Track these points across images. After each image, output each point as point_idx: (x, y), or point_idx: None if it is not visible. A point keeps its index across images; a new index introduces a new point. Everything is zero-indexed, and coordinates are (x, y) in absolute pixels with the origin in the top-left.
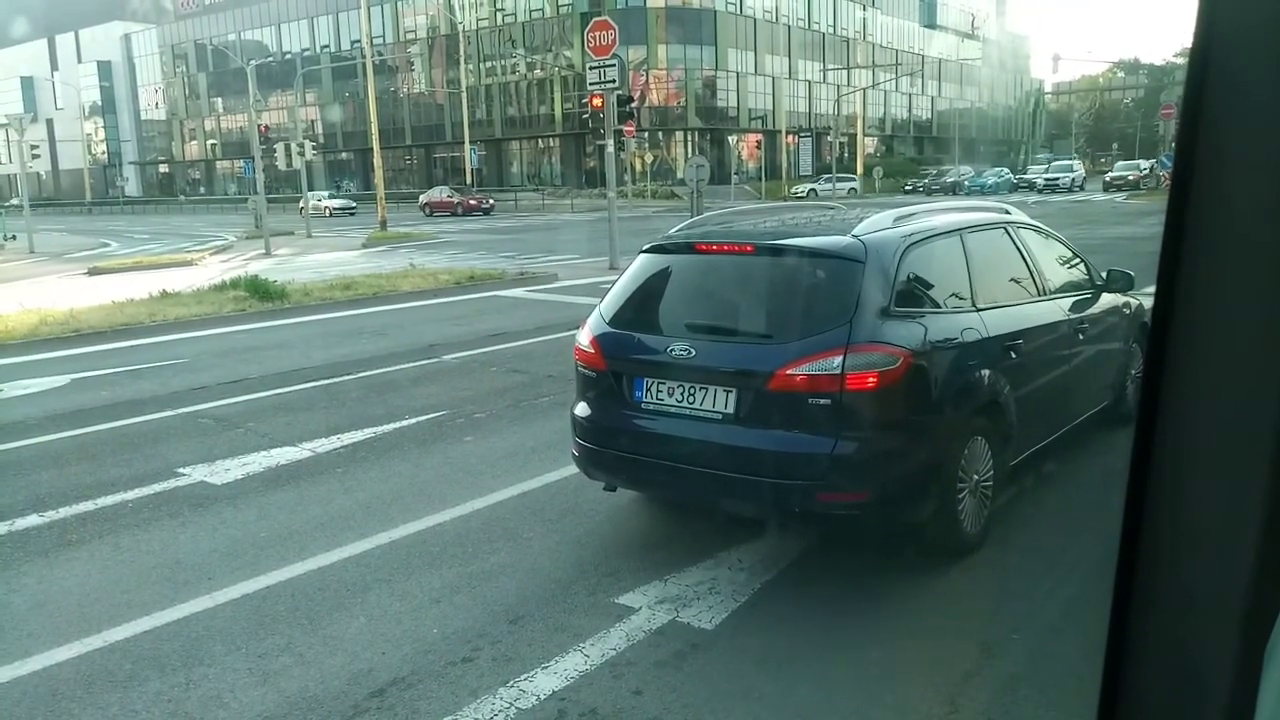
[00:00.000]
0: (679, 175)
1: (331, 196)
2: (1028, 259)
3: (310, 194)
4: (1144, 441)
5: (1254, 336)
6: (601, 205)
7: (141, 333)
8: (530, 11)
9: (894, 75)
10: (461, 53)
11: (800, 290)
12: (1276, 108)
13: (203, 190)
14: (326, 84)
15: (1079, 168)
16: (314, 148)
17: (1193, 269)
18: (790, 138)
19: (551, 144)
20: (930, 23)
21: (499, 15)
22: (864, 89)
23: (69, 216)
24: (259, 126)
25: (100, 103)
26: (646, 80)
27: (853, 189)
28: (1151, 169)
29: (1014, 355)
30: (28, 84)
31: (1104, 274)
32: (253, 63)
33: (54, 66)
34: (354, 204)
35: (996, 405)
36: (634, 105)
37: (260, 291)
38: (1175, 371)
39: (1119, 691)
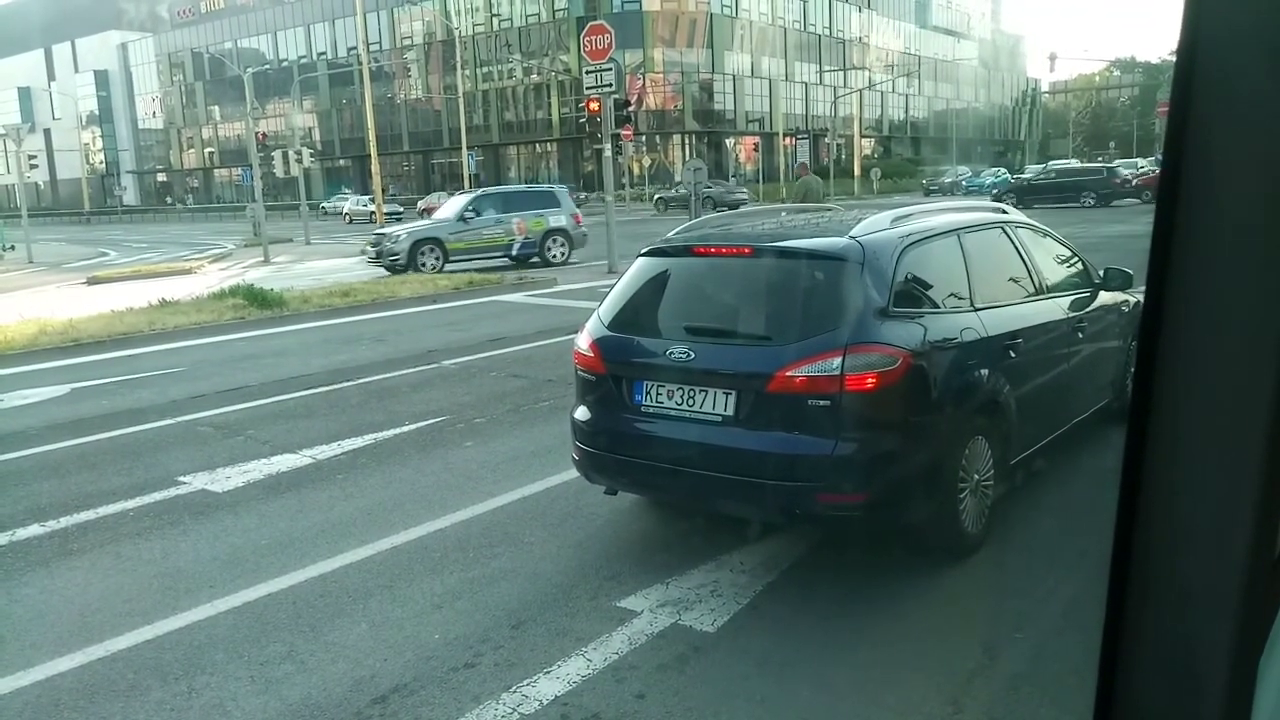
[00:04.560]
0: (677, 178)
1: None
2: (1025, 258)
3: (351, 199)
4: (1137, 439)
5: (1245, 332)
6: (599, 209)
7: (141, 341)
8: (526, 17)
9: (890, 76)
10: (458, 58)
11: (799, 292)
12: (1265, 104)
13: (192, 199)
14: (324, 91)
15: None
16: (312, 155)
17: (1183, 266)
18: (787, 139)
19: (549, 149)
20: (925, 23)
21: (495, 21)
22: (860, 90)
23: (67, 226)
24: (256, 134)
25: (98, 112)
26: (643, 84)
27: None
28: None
29: (1013, 354)
30: (25, 94)
31: (1102, 272)
32: (249, 70)
33: (51, 77)
34: (401, 209)
35: (996, 405)
36: (631, 109)
37: (259, 299)
38: (1167, 369)
39: (1115, 690)
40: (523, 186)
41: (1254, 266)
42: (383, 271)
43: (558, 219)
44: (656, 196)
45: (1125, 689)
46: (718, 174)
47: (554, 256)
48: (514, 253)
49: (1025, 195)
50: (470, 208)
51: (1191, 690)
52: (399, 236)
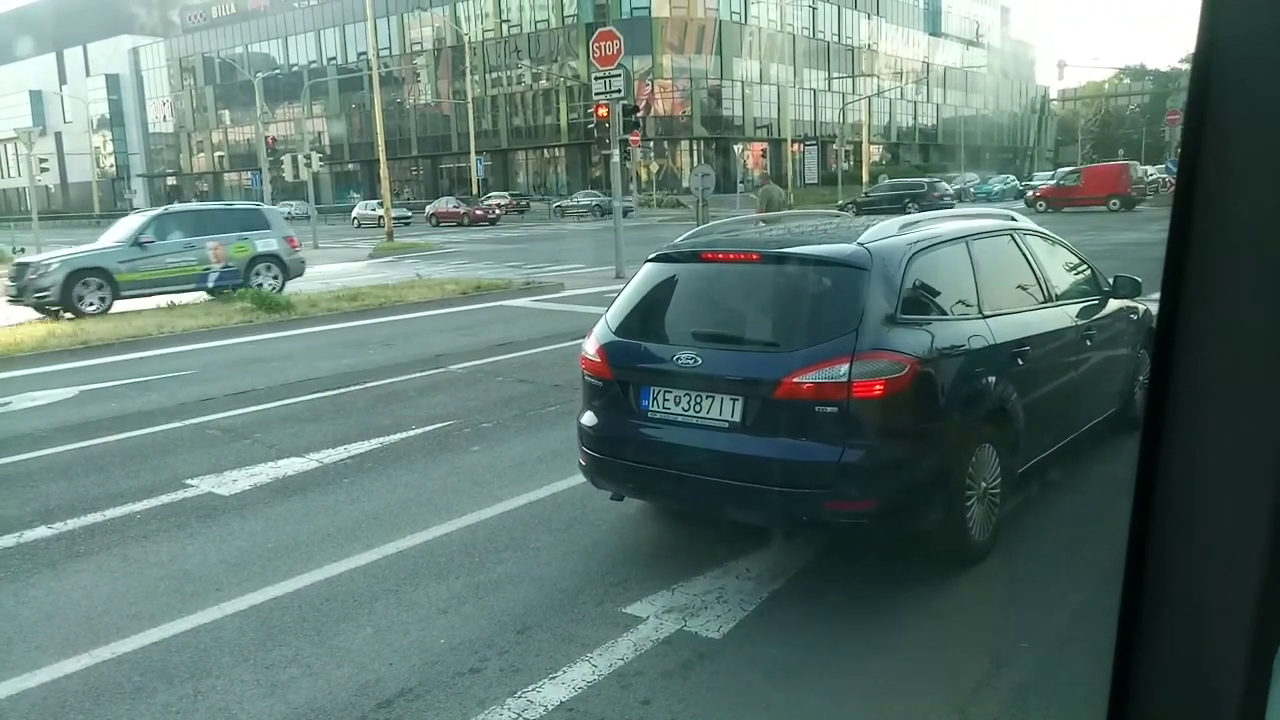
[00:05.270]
0: (684, 184)
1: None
2: (1034, 265)
3: (361, 203)
4: (1151, 449)
5: (1260, 342)
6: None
7: (149, 344)
8: (535, 23)
9: (899, 83)
10: (468, 64)
11: (806, 298)
12: None
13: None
14: (333, 96)
15: None
16: (321, 159)
17: (1198, 275)
18: (795, 146)
19: (557, 154)
20: (935, 30)
21: (504, 26)
22: (869, 97)
23: (77, 229)
24: (266, 139)
25: (108, 116)
26: (652, 90)
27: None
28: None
29: (1021, 362)
30: (36, 98)
31: (1110, 280)
32: (260, 75)
33: (62, 80)
34: (409, 213)
35: (1004, 412)
36: (639, 115)
37: (267, 303)
38: (1182, 378)
39: (1127, 700)
40: (220, 204)
41: (1270, 274)
42: (387, 276)
43: (267, 243)
44: (555, 205)
45: (1138, 697)
46: (725, 180)
47: (262, 286)
48: (209, 284)
49: (863, 208)
50: (149, 230)
51: (1206, 698)
52: (49, 267)
